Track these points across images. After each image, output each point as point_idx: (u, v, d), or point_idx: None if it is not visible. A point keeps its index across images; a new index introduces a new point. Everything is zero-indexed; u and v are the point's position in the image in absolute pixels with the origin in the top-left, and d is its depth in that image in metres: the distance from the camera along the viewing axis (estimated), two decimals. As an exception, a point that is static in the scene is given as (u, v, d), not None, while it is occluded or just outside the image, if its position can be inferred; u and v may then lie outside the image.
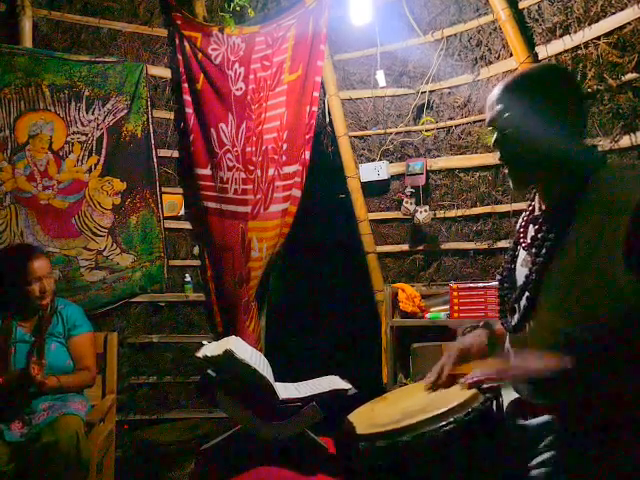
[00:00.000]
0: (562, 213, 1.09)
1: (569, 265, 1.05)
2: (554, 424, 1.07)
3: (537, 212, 1.21)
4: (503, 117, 1.14)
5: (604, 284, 0.99)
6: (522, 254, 1.22)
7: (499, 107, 1.15)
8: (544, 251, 1.10)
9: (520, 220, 1.27)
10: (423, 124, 3.12)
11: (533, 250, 1.14)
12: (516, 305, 1.17)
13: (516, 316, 1.16)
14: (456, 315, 2.77)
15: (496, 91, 1.17)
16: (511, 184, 1.21)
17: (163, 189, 3.12)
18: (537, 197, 1.23)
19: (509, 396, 1.19)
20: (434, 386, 1.22)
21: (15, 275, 2.21)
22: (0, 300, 2.26)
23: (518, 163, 1.16)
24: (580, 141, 1.14)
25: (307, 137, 3.08)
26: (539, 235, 1.13)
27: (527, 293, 1.13)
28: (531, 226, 1.20)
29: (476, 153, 2.99)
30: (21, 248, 2.53)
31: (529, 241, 1.18)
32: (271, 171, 3.08)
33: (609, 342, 0.99)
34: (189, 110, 3.11)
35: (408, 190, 3.09)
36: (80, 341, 2.31)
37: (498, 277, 1.29)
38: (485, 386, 1.07)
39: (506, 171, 1.20)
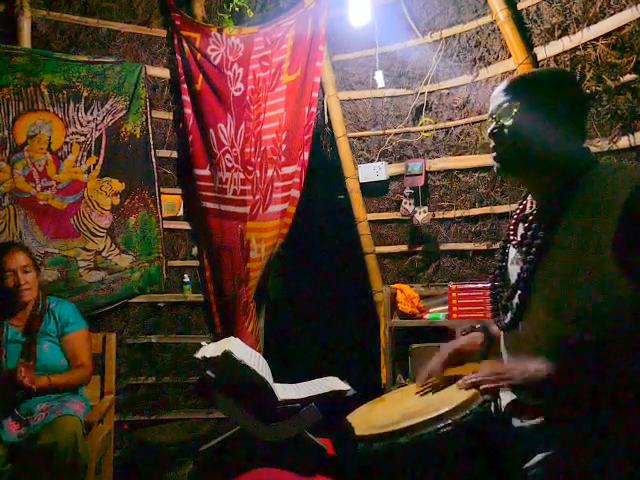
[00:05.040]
0: (551, 211, 1.11)
1: (560, 263, 1.07)
2: (550, 425, 1.07)
3: (528, 210, 1.23)
4: (505, 107, 1.15)
5: (594, 281, 1.01)
6: (512, 252, 1.23)
7: (504, 98, 1.17)
8: (534, 249, 1.11)
9: (511, 219, 1.29)
10: (422, 125, 3.13)
11: (523, 248, 1.15)
12: (508, 303, 1.18)
13: (509, 314, 1.17)
14: (455, 316, 2.77)
15: (504, 84, 1.19)
16: (495, 168, 1.22)
17: (162, 189, 3.12)
18: (529, 197, 1.24)
19: (507, 397, 1.20)
20: (424, 387, 1.23)
21: None
22: None
23: (509, 155, 1.17)
24: (576, 144, 1.15)
25: (306, 138, 3.08)
26: (528, 233, 1.15)
27: (519, 291, 1.14)
28: (521, 224, 1.22)
29: (475, 154, 2.99)
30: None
31: (519, 239, 1.19)
32: (270, 172, 3.08)
33: (606, 342, 0.99)
34: (188, 110, 3.11)
35: (407, 191, 3.09)
36: (74, 338, 2.29)
37: (490, 276, 1.30)
38: (483, 387, 1.07)
39: (493, 155, 1.21)
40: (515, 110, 1.13)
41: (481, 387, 1.06)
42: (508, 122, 1.14)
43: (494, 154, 1.20)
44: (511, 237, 1.24)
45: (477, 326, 1.38)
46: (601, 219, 1.00)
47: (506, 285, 1.22)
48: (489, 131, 1.19)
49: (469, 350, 1.32)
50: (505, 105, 1.16)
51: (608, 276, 0.99)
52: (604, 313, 1.00)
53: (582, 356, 1.02)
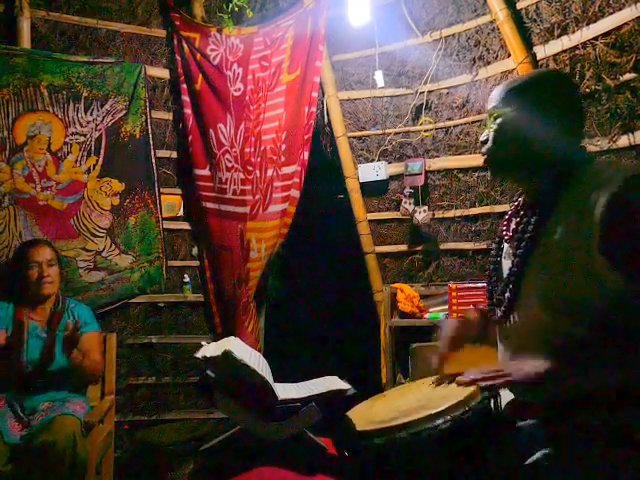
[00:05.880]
0: (543, 206, 1.13)
1: (550, 257, 1.09)
2: (550, 423, 1.08)
3: (520, 207, 1.26)
4: (495, 114, 1.19)
5: (584, 275, 1.02)
6: (506, 247, 1.26)
7: (495, 104, 1.20)
8: (524, 242, 1.14)
9: (505, 215, 1.32)
10: (422, 124, 3.13)
11: (514, 243, 1.18)
12: (501, 297, 1.20)
13: (502, 307, 1.19)
14: (455, 315, 2.77)
15: (497, 91, 1.23)
16: (489, 171, 1.26)
17: (162, 190, 3.12)
18: (523, 195, 1.27)
19: (507, 396, 1.20)
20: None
21: (17, 264, 2.35)
22: (13, 294, 2.35)
23: (499, 158, 1.21)
24: (570, 143, 1.17)
25: (306, 138, 3.08)
26: (519, 227, 1.18)
27: (510, 285, 1.17)
28: (513, 219, 1.25)
29: (475, 153, 2.99)
30: (28, 240, 2.61)
31: (511, 234, 1.22)
32: (270, 172, 3.08)
33: (597, 336, 1.00)
34: (187, 111, 3.11)
35: (407, 190, 3.09)
36: (89, 338, 2.37)
37: (486, 272, 1.33)
38: (483, 384, 1.07)
39: (484, 159, 1.24)
40: (504, 115, 1.17)
41: (481, 384, 1.06)
42: (497, 127, 1.18)
43: (485, 157, 1.23)
44: (504, 232, 1.26)
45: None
46: (590, 213, 1.02)
47: (500, 279, 1.25)
48: (481, 139, 1.23)
49: (467, 329, 1.35)
50: (495, 112, 1.19)
51: (597, 270, 1.00)
52: (594, 307, 1.01)
53: (574, 350, 1.03)
